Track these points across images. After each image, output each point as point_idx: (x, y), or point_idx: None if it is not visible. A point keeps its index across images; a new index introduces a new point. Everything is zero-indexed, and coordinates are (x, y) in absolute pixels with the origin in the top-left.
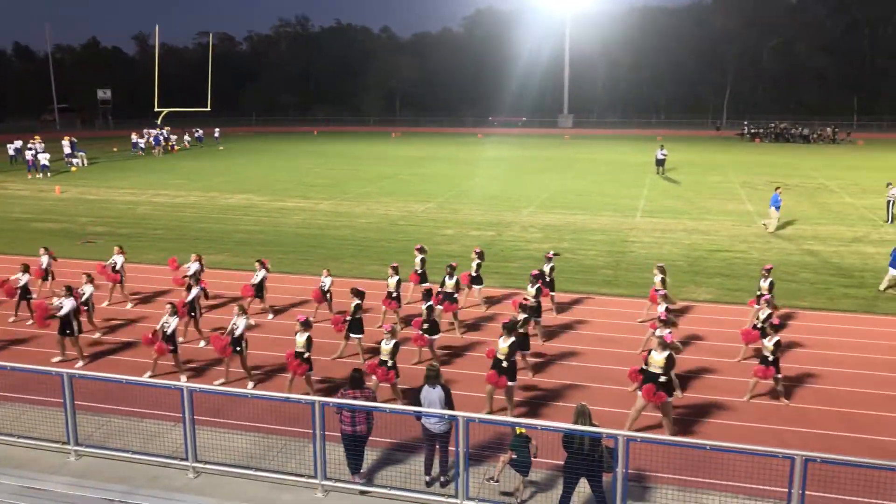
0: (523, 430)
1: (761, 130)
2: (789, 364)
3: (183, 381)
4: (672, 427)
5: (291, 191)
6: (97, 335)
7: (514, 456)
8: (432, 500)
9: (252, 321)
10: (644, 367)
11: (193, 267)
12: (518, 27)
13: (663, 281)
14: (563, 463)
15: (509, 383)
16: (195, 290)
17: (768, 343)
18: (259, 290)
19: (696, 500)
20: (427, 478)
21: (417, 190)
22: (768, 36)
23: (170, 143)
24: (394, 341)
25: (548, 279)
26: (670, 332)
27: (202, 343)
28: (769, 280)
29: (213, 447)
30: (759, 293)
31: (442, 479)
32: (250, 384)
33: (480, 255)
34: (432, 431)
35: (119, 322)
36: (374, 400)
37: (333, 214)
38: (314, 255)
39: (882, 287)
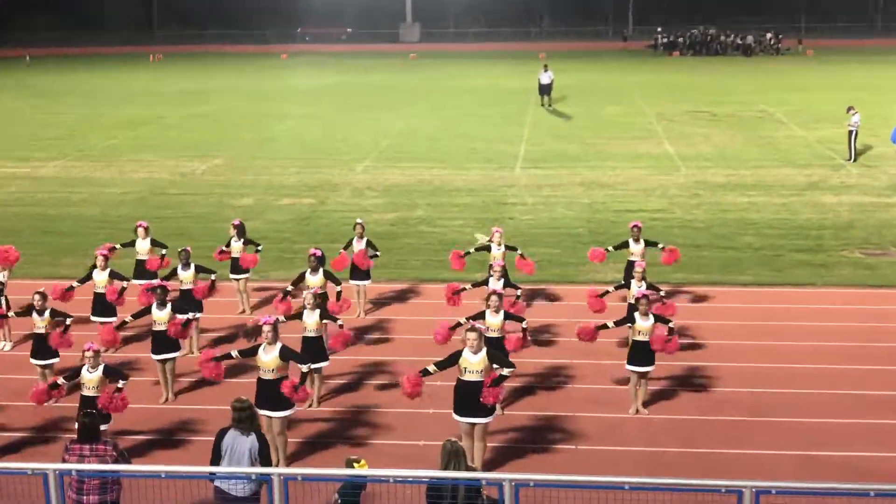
0: (364, 464)
1: (680, 40)
2: (722, 363)
3: None
4: (483, 455)
5: None
6: None
7: None
8: None
9: None
10: (459, 376)
11: None
12: None
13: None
14: None
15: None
16: None
17: (643, 323)
18: None
19: None
20: None
21: (195, 140)
22: None
23: None
24: (102, 366)
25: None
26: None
27: None
28: (642, 242)
29: None
30: (631, 259)
31: None
32: None
33: (240, 230)
34: (232, 496)
35: None
36: (122, 458)
37: (67, 182)
38: (43, 246)
39: None
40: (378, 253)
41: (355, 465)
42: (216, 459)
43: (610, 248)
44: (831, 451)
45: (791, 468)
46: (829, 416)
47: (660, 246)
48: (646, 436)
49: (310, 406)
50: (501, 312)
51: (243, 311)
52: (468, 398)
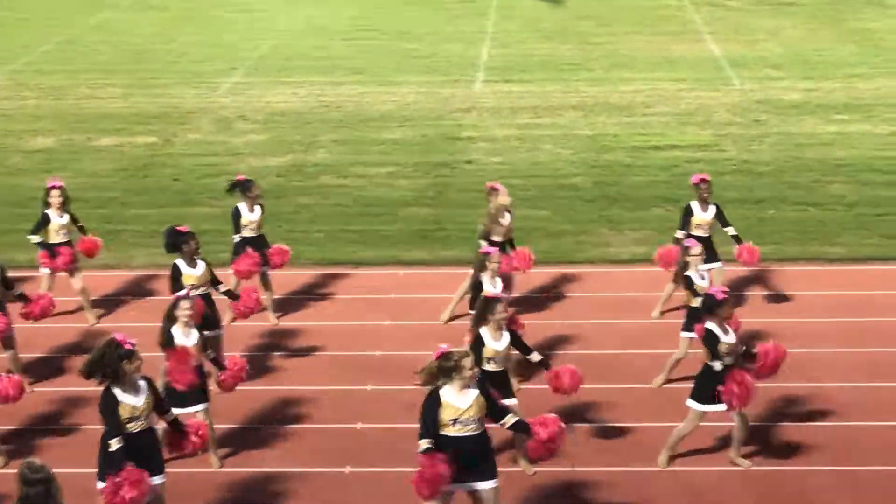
0: None
1: None
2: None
3: None
4: None
5: None
6: None
7: None
8: None
9: None
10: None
11: None
12: None
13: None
14: None
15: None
16: None
17: (727, 339)
18: None
19: None
20: None
21: None
22: None
23: None
24: None
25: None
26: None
27: None
28: (712, 206)
29: None
30: (685, 234)
31: None
32: None
33: (65, 198)
34: None
35: None
36: None
37: None
38: None
39: None
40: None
41: None
42: None
43: (678, 235)
44: None
45: None
46: None
47: (731, 232)
48: (691, 496)
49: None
50: (506, 333)
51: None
52: (459, 456)
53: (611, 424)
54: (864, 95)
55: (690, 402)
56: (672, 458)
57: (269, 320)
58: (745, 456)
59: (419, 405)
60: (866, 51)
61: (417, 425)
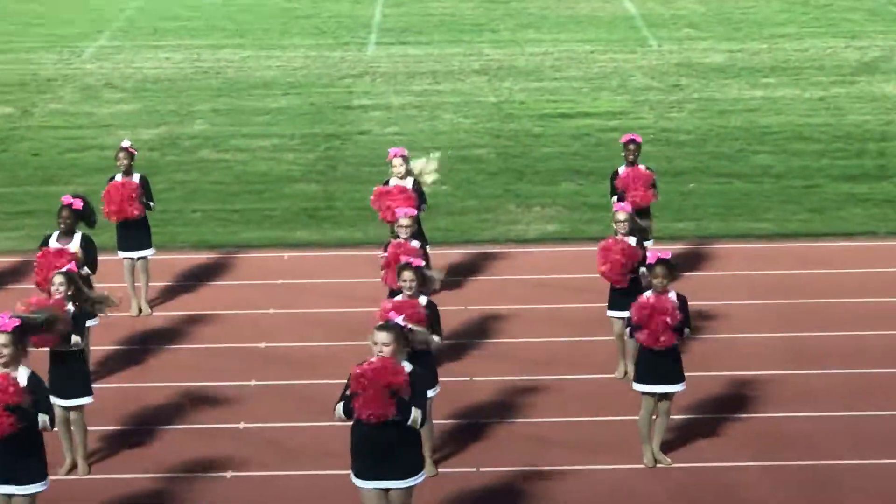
0: None
1: None
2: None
3: None
4: None
5: None
6: None
7: None
8: None
9: None
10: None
11: None
12: None
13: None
14: None
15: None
16: None
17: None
18: None
19: None
20: None
21: None
22: None
23: None
24: None
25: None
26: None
27: None
28: (643, 170)
29: None
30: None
31: None
32: None
33: None
34: None
35: None
36: None
37: None
38: None
39: None
40: (152, 203)
41: None
42: None
43: (613, 201)
44: None
45: None
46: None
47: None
48: (612, 495)
49: (70, 471)
50: (424, 300)
51: None
52: (377, 450)
53: (520, 420)
54: (791, 57)
55: (635, 385)
56: (655, 459)
57: (143, 310)
58: (667, 452)
59: (308, 400)
60: (794, 8)
61: (307, 423)
